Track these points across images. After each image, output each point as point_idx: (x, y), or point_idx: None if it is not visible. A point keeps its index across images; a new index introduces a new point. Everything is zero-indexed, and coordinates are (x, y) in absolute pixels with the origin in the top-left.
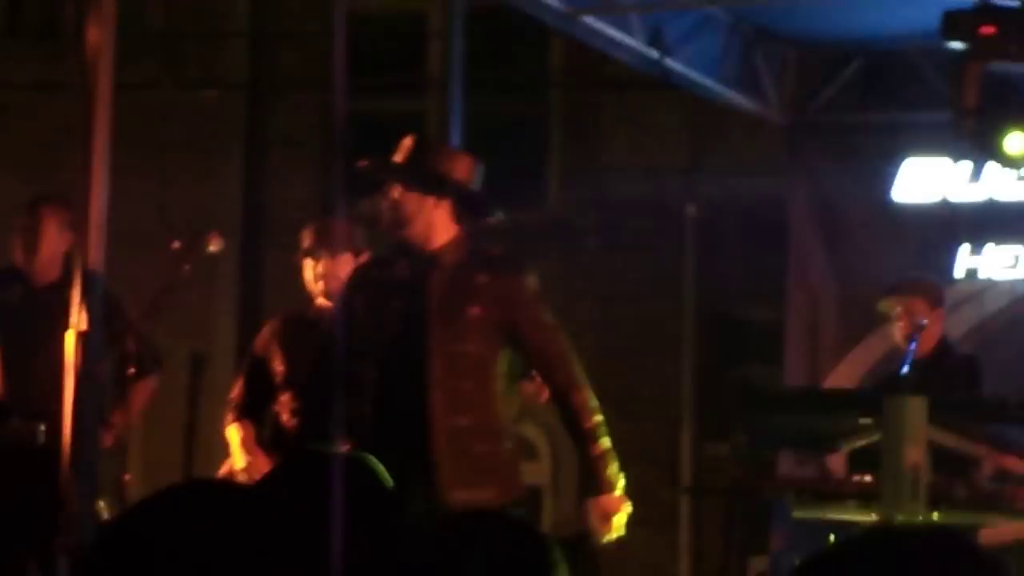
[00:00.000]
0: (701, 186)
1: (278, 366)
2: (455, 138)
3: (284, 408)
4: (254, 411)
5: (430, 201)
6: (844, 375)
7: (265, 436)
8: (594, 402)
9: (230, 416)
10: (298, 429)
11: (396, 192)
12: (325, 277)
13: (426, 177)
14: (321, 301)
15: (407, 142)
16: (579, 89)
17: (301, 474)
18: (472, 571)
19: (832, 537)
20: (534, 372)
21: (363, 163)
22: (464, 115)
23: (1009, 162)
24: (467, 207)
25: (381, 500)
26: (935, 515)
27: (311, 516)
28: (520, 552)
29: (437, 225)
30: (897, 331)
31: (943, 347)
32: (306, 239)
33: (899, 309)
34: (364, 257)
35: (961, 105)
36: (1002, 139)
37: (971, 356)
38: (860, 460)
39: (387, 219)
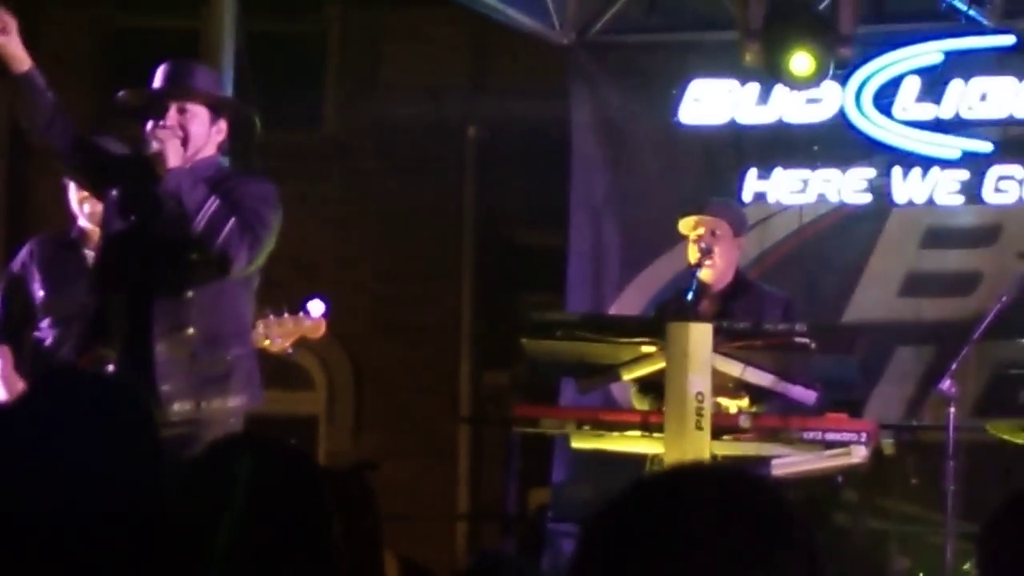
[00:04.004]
0: (483, 107)
1: (38, 290)
2: (228, 56)
3: (47, 334)
4: (11, 334)
5: (212, 127)
6: (629, 302)
7: (25, 362)
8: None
9: None
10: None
11: (173, 116)
12: (91, 199)
13: (205, 96)
14: (84, 222)
15: (167, 66)
16: (357, 6)
17: (57, 392)
18: (237, 497)
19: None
20: (308, 308)
21: (136, 90)
22: (238, 33)
23: (795, 82)
24: (237, 126)
25: (140, 422)
26: (719, 445)
27: (67, 435)
28: (291, 483)
29: (208, 143)
30: (691, 252)
31: (741, 280)
32: None
33: (701, 229)
34: None
35: (747, 25)
36: (788, 59)
37: (787, 298)
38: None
39: (168, 144)
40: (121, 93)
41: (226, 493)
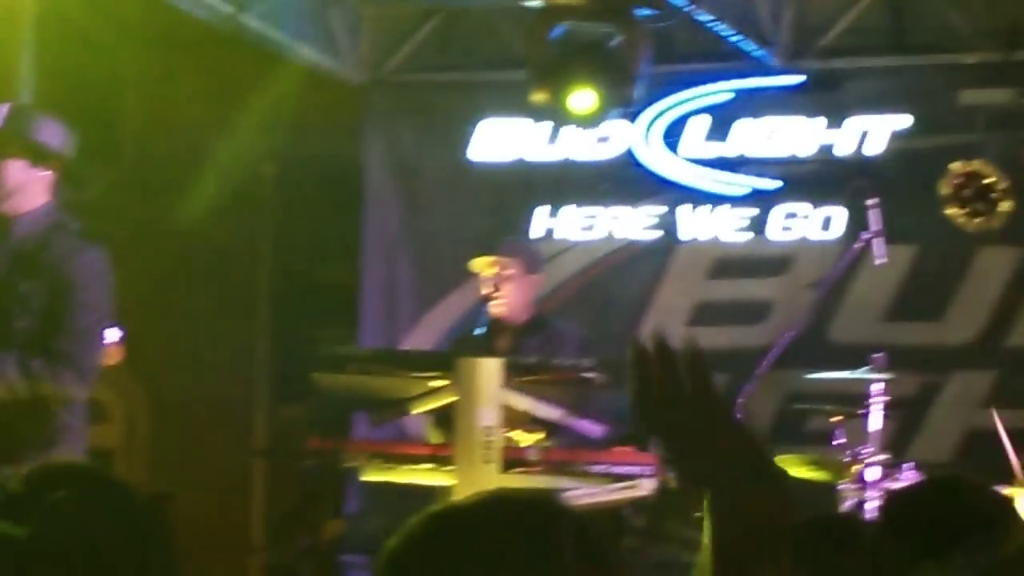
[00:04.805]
0: (278, 144)
1: None
2: (26, 95)
3: None
4: None
5: (31, 171)
6: (423, 337)
7: None
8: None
9: None
10: None
11: None
12: None
13: (31, 148)
14: None
15: (3, 111)
16: (154, 45)
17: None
18: (64, 533)
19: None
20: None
21: None
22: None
23: (581, 121)
24: (66, 178)
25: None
26: (509, 478)
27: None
28: (122, 513)
29: (30, 195)
30: (483, 289)
31: (537, 317)
32: None
33: (494, 269)
34: None
35: (536, 64)
36: (574, 97)
37: (582, 335)
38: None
39: None
40: None
41: (41, 523)
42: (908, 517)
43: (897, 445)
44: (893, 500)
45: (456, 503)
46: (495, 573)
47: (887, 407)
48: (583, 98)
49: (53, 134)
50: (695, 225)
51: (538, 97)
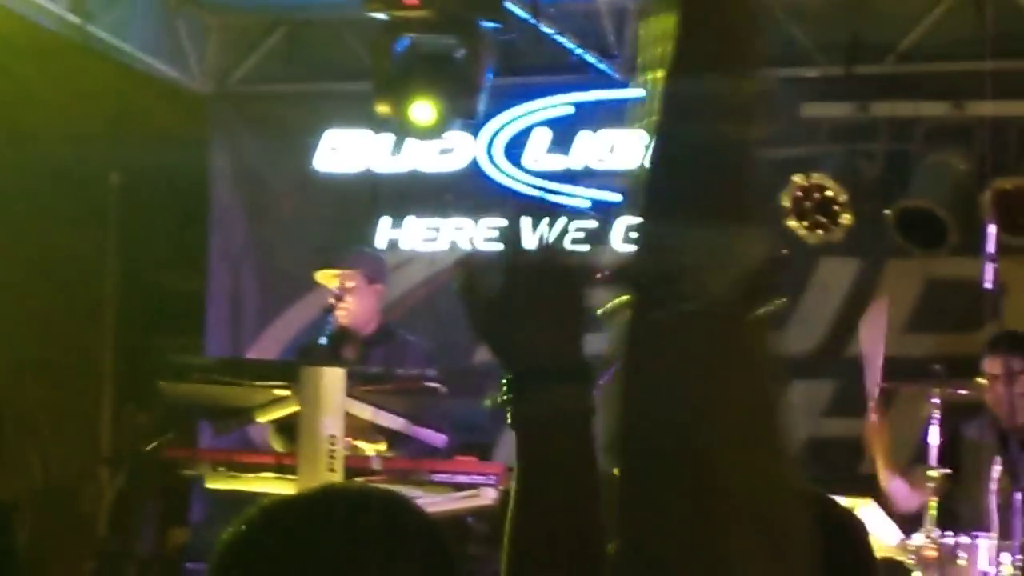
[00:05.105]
0: (124, 154)
1: None
2: None
3: None
4: None
5: None
6: (267, 346)
7: None
8: None
9: None
10: None
11: None
12: None
13: None
14: None
15: None
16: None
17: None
18: None
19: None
20: None
21: None
22: None
23: (421, 132)
24: None
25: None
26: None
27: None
28: None
29: None
30: (328, 301)
31: (385, 328)
32: None
33: (335, 281)
34: None
35: (380, 75)
36: (415, 109)
37: (430, 346)
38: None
39: None
40: None
41: None
42: None
43: None
44: None
45: (291, 495)
46: (332, 563)
47: None
48: (425, 110)
49: None
50: (537, 236)
51: (382, 108)
